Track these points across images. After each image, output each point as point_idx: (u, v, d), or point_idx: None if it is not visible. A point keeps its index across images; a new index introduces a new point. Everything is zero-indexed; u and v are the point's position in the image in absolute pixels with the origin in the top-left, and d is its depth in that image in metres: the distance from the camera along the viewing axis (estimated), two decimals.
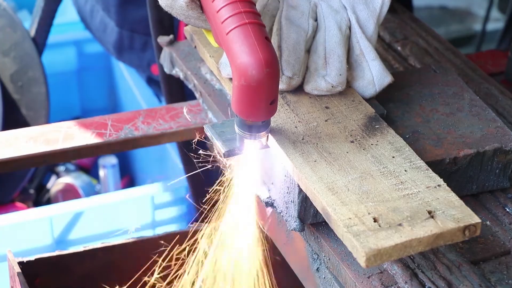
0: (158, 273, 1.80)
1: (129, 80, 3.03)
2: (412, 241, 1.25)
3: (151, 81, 2.82)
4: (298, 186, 1.39)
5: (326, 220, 1.31)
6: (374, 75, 1.51)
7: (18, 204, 2.73)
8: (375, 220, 1.27)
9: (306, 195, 1.38)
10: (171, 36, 1.82)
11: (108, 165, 2.90)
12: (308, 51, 1.50)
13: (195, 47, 1.68)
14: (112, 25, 2.69)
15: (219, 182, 1.53)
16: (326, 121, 1.46)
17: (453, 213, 1.29)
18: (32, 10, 2.70)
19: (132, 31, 2.66)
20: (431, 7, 3.64)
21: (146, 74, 2.77)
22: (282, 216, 1.50)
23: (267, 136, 1.43)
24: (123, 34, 2.68)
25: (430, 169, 1.36)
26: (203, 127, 1.48)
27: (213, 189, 1.55)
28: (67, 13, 3.21)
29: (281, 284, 1.72)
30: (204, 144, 1.53)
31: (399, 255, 1.26)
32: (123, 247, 1.96)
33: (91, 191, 2.93)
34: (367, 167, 1.37)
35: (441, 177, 1.36)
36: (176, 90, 2.24)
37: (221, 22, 1.33)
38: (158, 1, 1.44)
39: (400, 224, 1.27)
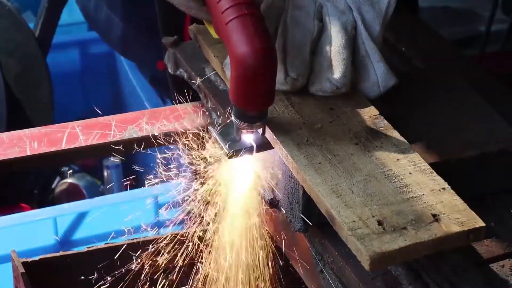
0: (162, 273, 1.81)
1: (133, 81, 3.03)
2: (416, 245, 1.25)
3: (154, 81, 2.82)
4: (302, 187, 1.39)
5: (330, 223, 1.31)
6: (378, 76, 1.51)
7: (22, 204, 2.73)
8: (379, 223, 1.27)
9: (310, 196, 1.37)
10: (175, 37, 1.82)
11: (112, 166, 2.90)
12: (313, 52, 1.50)
13: (199, 46, 1.68)
14: (117, 21, 2.68)
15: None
16: (330, 122, 1.46)
17: (457, 217, 1.29)
18: (37, 11, 2.70)
19: (138, 27, 2.66)
20: (435, 8, 3.63)
21: (151, 71, 2.76)
22: (287, 216, 1.50)
23: (264, 127, 1.43)
24: (129, 30, 2.67)
25: (434, 172, 1.36)
26: (208, 128, 1.49)
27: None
28: (71, 14, 3.21)
29: (285, 285, 1.72)
30: None
31: (403, 259, 1.26)
32: (127, 248, 1.96)
33: (95, 192, 2.93)
34: (371, 170, 1.36)
35: (445, 179, 1.35)
36: (184, 89, 2.24)
37: (221, 12, 1.35)
38: None
39: (404, 228, 1.26)
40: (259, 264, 1.63)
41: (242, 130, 1.42)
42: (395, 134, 1.44)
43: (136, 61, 2.81)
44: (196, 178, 1.59)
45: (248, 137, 1.43)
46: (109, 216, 2.41)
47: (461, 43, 3.41)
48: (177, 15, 2.20)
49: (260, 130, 1.43)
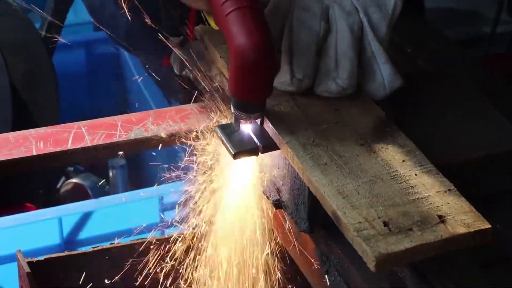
0: (166, 273, 1.81)
1: (139, 81, 3.03)
2: (422, 246, 1.25)
3: (160, 82, 2.81)
4: (308, 188, 1.39)
5: (336, 224, 1.31)
6: (385, 78, 1.51)
7: (28, 204, 2.73)
8: (385, 225, 1.27)
9: (316, 197, 1.38)
10: (181, 37, 1.82)
11: (117, 166, 2.90)
12: (319, 53, 1.50)
13: (205, 47, 1.68)
14: (122, 17, 2.68)
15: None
16: (336, 123, 1.46)
17: (463, 218, 1.29)
18: (43, 11, 2.70)
19: (143, 22, 2.66)
20: (440, 9, 3.62)
21: (156, 68, 2.76)
22: (292, 217, 1.50)
23: (263, 118, 1.44)
24: (134, 26, 2.67)
25: (440, 173, 1.36)
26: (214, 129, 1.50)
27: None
28: (77, 14, 3.21)
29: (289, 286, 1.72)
30: None
31: (409, 260, 1.26)
32: (131, 248, 1.97)
33: (100, 192, 2.93)
34: (377, 171, 1.36)
35: (451, 180, 1.35)
36: (190, 89, 2.24)
37: (221, 4, 1.37)
38: None
39: (410, 229, 1.26)
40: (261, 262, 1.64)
41: (241, 120, 1.43)
42: (401, 135, 1.44)
43: (142, 57, 2.81)
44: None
45: (247, 127, 1.45)
46: (114, 216, 2.41)
47: (466, 44, 3.41)
48: (181, 14, 2.20)
49: (258, 121, 1.44)
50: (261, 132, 1.45)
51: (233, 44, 1.36)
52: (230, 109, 1.46)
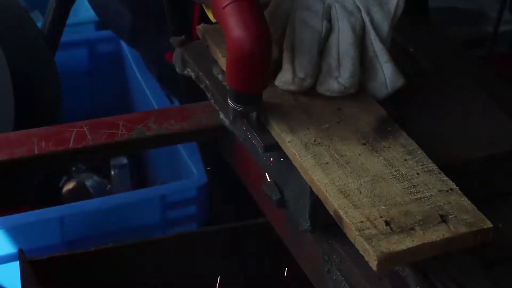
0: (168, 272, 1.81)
1: (141, 80, 3.03)
2: (424, 246, 1.25)
3: (162, 81, 2.82)
4: (310, 187, 1.39)
5: (338, 223, 1.31)
6: (386, 77, 1.51)
7: (29, 203, 2.73)
8: (387, 224, 1.27)
9: (317, 196, 1.38)
10: (183, 36, 1.82)
11: (119, 165, 2.90)
12: (321, 52, 1.51)
13: (207, 46, 1.68)
14: (126, 12, 2.69)
15: None
16: (338, 123, 1.46)
17: (465, 218, 1.29)
18: (45, 11, 2.70)
19: (147, 17, 2.67)
20: (442, 8, 3.62)
21: (159, 66, 2.76)
22: (293, 216, 1.50)
23: (259, 110, 1.45)
24: (138, 21, 2.68)
25: (442, 173, 1.36)
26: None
27: None
28: (79, 13, 3.21)
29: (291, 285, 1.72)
30: None
31: (411, 259, 1.26)
32: (133, 247, 1.97)
33: (102, 191, 2.93)
34: (379, 170, 1.36)
35: (453, 180, 1.35)
36: (192, 88, 2.25)
37: None
38: None
39: (412, 228, 1.26)
40: None
41: (238, 113, 1.44)
42: (403, 134, 1.44)
43: (145, 52, 2.81)
44: None
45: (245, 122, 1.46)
46: (116, 216, 2.41)
47: (468, 44, 3.41)
48: (185, 13, 2.21)
49: (254, 114, 1.45)
50: (261, 130, 1.46)
51: (230, 36, 1.37)
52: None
